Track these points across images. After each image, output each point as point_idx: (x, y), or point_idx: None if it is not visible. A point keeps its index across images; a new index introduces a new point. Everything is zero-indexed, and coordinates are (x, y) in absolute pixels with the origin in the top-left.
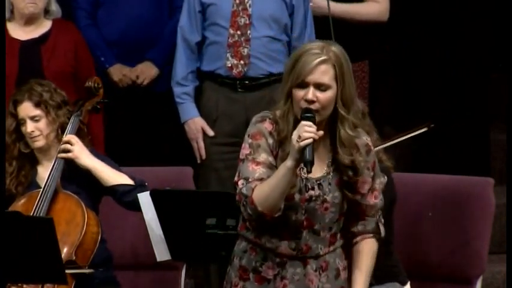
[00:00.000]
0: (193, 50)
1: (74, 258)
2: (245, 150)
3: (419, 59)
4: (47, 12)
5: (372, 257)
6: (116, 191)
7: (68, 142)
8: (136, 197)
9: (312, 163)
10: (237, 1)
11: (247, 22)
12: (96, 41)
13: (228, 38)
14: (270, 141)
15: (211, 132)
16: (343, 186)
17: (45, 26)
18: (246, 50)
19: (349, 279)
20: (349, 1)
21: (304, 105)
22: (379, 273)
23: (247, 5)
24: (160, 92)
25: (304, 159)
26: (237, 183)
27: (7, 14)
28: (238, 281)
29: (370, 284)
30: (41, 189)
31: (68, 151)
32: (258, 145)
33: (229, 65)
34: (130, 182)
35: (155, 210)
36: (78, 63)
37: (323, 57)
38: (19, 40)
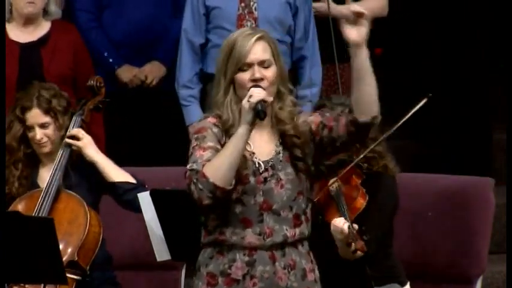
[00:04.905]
0: (197, 52)
1: (76, 258)
2: (192, 145)
3: (419, 59)
4: (45, 13)
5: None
6: (118, 188)
7: (74, 135)
8: (136, 196)
9: (264, 113)
10: (243, 4)
11: (254, 25)
12: (102, 42)
13: None
14: (215, 130)
15: None
16: (296, 160)
17: (44, 27)
18: None
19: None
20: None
21: (251, 85)
22: (378, 275)
23: (253, 8)
24: (166, 91)
25: (256, 111)
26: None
27: (6, 15)
28: None
29: (370, 286)
30: (43, 189)
31: (77, 139)
32: (203, 136)
33: None
34: (132, 180)
35: (155, 210)
36: (77, 66)
37: (258, 35)
38: (18, 43)
